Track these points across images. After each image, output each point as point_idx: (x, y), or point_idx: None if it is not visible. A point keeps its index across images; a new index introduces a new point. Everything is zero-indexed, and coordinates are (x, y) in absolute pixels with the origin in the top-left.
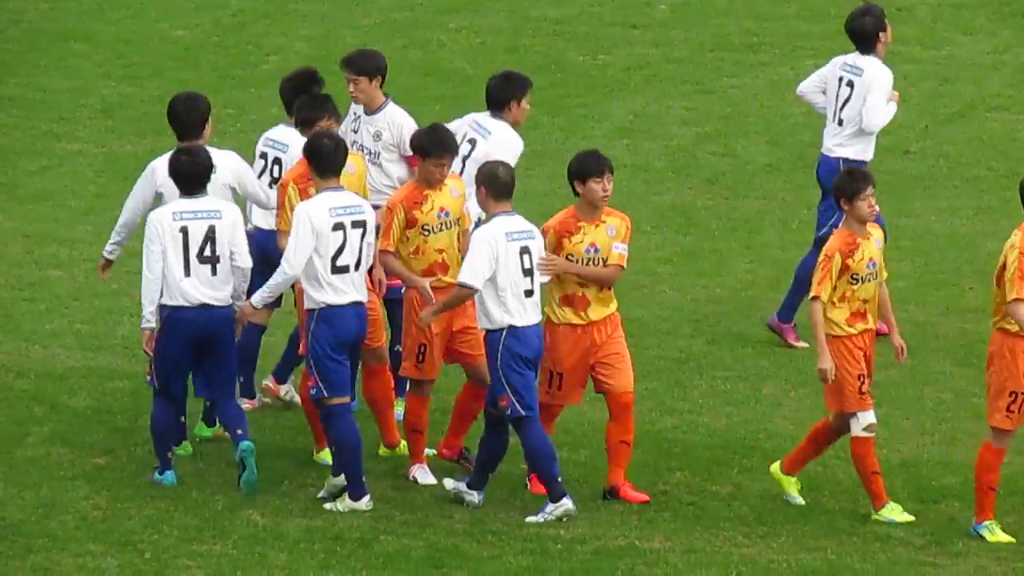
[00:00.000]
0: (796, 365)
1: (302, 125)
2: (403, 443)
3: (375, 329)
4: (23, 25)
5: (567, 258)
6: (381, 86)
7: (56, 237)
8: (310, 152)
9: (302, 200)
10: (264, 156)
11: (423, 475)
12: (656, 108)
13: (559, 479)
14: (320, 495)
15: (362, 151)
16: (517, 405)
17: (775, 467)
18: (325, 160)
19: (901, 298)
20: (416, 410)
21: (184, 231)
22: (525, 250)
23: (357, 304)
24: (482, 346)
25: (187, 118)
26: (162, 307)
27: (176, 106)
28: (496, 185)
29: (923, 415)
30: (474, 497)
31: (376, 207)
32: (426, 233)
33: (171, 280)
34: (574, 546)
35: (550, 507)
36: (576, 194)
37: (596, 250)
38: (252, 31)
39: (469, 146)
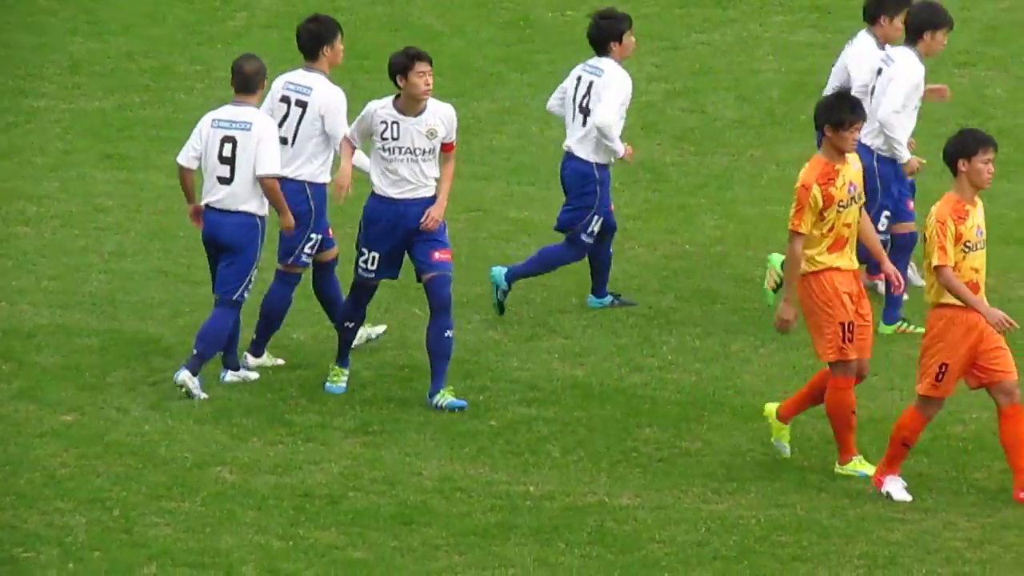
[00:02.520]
0: (765, 321)
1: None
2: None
3: (868, 338)
4: None
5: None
6: None
7: (23, 194)
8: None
9: (825, 202)
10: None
11: (896, 487)
12: (625, 64)
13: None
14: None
15: (411, 153)
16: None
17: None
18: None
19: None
20: (913, 426)
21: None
22: (229, 139)
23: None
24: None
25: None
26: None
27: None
28: (233, 77)
29: (892, 371)
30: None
31: (424, 200)
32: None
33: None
34: (543, 503)
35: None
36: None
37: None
38: None
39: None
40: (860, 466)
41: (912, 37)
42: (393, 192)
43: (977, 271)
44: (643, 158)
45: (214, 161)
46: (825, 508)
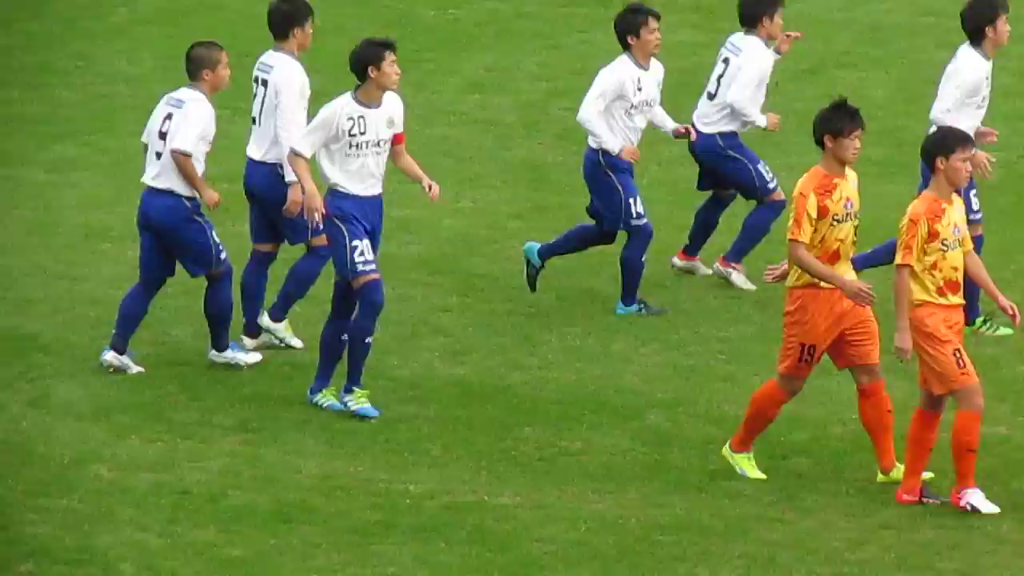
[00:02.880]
0: (646, 321)
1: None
2: (898, 468)
3: (872, 342)
4: None
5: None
6: None
7: None
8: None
9: (820, 213)
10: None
11: (979, 500)
12: (506, 63)
13: None
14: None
15: (377, 146)
16: None
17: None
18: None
19: (754, 255)
20: (968, 427)
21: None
22: (168, 116)
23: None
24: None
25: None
26: None
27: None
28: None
29: (772, 372)
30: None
31: (379, 196)
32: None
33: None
34: (423, 501)
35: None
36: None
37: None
38: None
39: (723, 65)
40: (745, 464)
41: (976, 38)
42: (360, 189)
43: (956, 270)
44: (525, 157)
45: (155, 136)
46: (705, 508)
